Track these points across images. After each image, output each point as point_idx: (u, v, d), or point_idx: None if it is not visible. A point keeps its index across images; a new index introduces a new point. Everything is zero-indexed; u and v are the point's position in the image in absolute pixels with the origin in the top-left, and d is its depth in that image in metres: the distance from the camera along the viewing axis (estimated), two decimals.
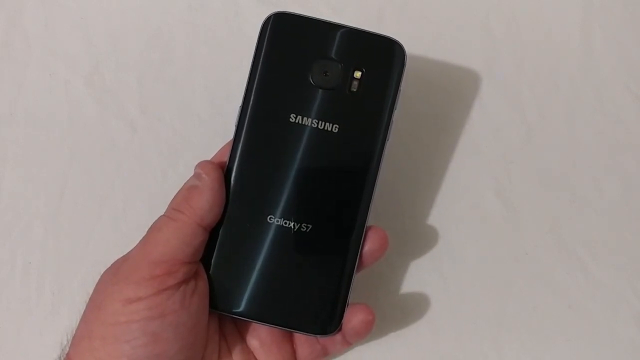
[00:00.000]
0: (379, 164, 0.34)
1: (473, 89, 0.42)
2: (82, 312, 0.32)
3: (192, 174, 0.33)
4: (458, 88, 0.42)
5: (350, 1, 0.43)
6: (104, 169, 0.40)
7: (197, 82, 0.42)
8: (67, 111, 0.41)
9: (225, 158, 0.34)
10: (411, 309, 0.39)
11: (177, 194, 0.33)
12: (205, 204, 0.32)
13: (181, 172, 0.40)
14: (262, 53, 0.34)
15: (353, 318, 0.33)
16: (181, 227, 0.31)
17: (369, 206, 0.33)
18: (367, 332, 0.33)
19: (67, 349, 0.31)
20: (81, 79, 0.42)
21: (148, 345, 0.29)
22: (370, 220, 0.34)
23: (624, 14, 0.43)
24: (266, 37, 0.34)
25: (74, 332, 0.32)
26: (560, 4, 0.43)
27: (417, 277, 0.39)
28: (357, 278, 0.34)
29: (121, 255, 0.32)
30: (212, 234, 0.33)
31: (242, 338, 0.35)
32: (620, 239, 0.40)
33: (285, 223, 0.33)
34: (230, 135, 0.34)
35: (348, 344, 0.35)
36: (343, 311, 0.33)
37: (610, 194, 0.41)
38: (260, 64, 0.33)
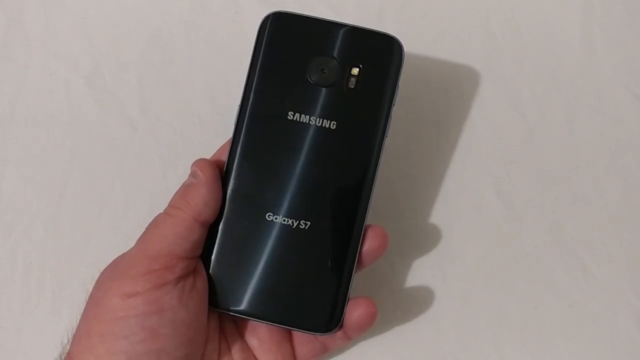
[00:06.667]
0: (378, 161, 0.34)
1: (473, 89, 0.42)
2: (82, 311, 0.32)
3: None
4: (458, 88, 0.42)
5: (351, 1, 0.43)
6: (104, 169, 0.40)
7: (197, 82, 0.42)
8: (67, 111, 0.41)
9: (224, 156, 0.34)
10: (412, 309, 0.39)
11: (175, 192, 0.33)
12: (201, 199, 0.32)
13: (181, 172, 0.40)
14: (261, 52, 0.34)
15: (355, 311, 0.33)
16: (178, 223, 0.31)
17: (368, 202, 0.33)
18: (369, 325, 0.33)
19: (68, 347, 0.31)
20: (81, 79, 0.42)
21: (146, 341, 0.30)
22: (370, 220, 0.34)
23: (624, 14, 0.43)
24: (264, 37, 0.34)
25: (74, 331, 0.32)
26: (560, 4, 0.43)
27: (417, 277, 0.39)
28: (358, 278, 0.34)
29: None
30: (212, 231, 0.33)
31: (242, 337, 0.35)
32: (620, 239, 0.40)
33: (284, 220, 0.33)
34: (230, 134, 0.34)
35: (349, 339, 0.34)
36: (343, 308, 0.33)
37: (610, 194, 0.41)
38: (258, 63, 0.34)
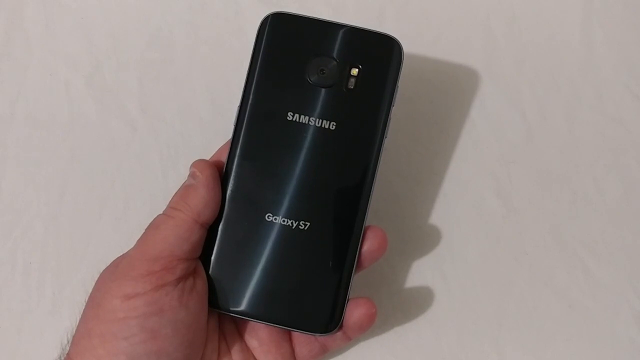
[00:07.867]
0: (377, 161, 0.34)
1: (473, 89, 0.42)
2: (82, 312, 0.32)
3: None
4: (458, 88, 0.42)
5: (351, 1, 0.43)
6: (104, 169, 0.40)
7: (198, 82, 0.42)
8: (67, 111, 0.41)
9: (224, 157, 0.34)
10: (412, 310, 0.39)
11: (174, 193, 0.33)
12: (201, 200, 0.32)
13: (181, 172, 0.40)
14: (260, 53, 0.34)
15: (355, 312, 0.33)
16: (178, 224, 0.31)
17: (368, 203, 0.33)
18: (369, 326, 0.33)
19: (68, 348, 0.31)
20: (81, 79, 0.42)
21: (146, 342, 0.30)
22: (370, 221, 0.34)
23: (624, 14, 0.43)
24: (264, 37, 0.34)
25: (74, 331, 0.32)
26: (560, 4, 0.43)
27: (417, 277, 0.39)
28: (358, 279, 0.34)
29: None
30: (211, 232, 0.33)
31: (242, 337, 0.35)
32: (620, 239, 0.40)
33: (284, 221, 0.33)
34: (230, 135, 0.34)
35: (348, 340, 0.35)
36: (343, 309, 0.33)
37: (610, 194, 0.41)
38: (258, 63, 0.34)
